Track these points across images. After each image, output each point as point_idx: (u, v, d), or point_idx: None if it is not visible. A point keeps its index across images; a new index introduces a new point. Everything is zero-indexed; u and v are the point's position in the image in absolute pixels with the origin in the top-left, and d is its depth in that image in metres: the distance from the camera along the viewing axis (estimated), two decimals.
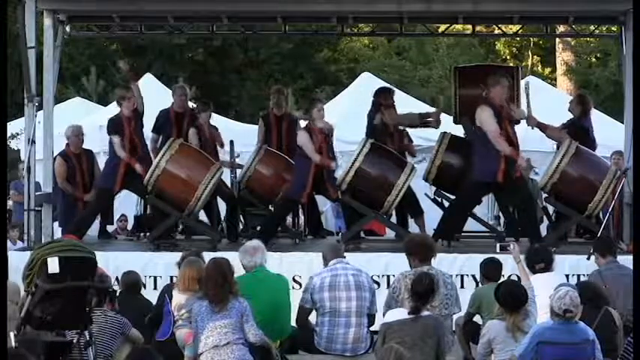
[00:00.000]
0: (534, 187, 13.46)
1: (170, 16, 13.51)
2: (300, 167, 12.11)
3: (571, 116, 12.78)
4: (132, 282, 9.62)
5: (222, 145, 13.17)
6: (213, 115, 13.86)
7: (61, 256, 7.19)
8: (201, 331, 8.00)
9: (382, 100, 12.93)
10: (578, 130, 12.43)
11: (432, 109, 17.69)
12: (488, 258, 9.56)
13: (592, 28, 15.64)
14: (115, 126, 12.50)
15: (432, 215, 13.18)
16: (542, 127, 12.44)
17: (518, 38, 27.50)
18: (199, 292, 8.31)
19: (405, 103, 14.52)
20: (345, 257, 9.08)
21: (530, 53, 30.82)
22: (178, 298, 8.72)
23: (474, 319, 9.29)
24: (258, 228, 12.77)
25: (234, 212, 12.92)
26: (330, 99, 20.10)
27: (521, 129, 12.88)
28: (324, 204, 14.45)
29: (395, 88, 14.00)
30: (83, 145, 13.21)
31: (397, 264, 10.03)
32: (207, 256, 9.21)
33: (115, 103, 13.70)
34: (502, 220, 14.23)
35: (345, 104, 17.16)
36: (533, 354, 7.33)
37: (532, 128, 12.40)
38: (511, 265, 9.36)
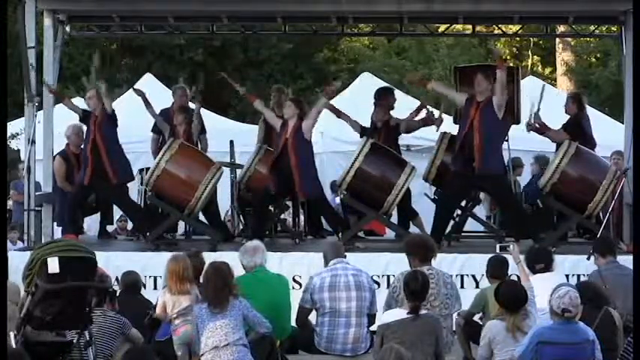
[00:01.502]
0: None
1: (170, 16, 13.51)
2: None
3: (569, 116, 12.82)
4: (132, 282, 9.62)
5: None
6: (214, 115, 13.86)
7: (61, 256, 7.20)
8: (201, 333, 8.00)
9: (384, 99, 12.97)
10: (575, 127, 12.46)
11: (435, 111, 17.69)
12: (494, 256, 9.56)
13: (592, 28, 15.65)
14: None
15: (433, 215, 13.18)
16: (542, 131, 12.55)
17: (518, 38, 27.48)
18: (194, 291, 8.34)
19: (405, 103, 14.49)
20: (345, 257, 9.08)
21: (530, 53, 30.80)
22: (169, 298, 8.67)
23: (475, 318, 9.31)
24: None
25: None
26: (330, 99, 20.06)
27: (521, 129, 12.90)
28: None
29: (394, 88, 14.02)
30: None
31: (397, 264, 10.04)
32: (208, 255, 9.22)
33: (114, 102, 13.67)
34: (493, 219, 14.26)
35: (345, 104, 17.14)
36: (533, 354, 7.33)
37: (528, 132, 12.51)
38: (511, 266, 9.36)
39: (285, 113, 12.11)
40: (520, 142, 13.96)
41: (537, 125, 12.60)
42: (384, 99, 13.03)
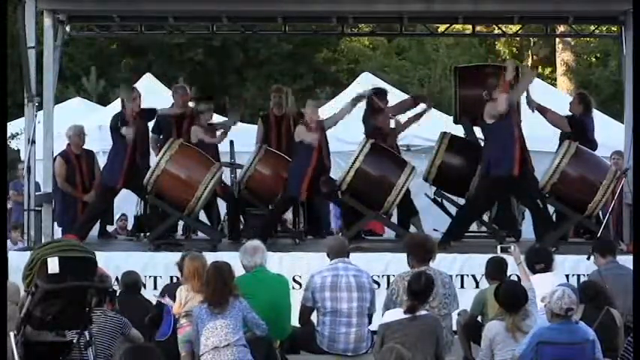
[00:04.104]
0: None
1: (170, 16, 13.51)
2: (297, 164, 12.08)
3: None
4: (132, 282, 9.62)
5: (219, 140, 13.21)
6: (213, 115, 13.85)
7: (61, 256, 7.19)
8: (201, 333, 8.00)
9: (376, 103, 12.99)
10: (577, 126, 12.45)
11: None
12: (492, 258, 9.55)
13: (592, 28, 15.65)
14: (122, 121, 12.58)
15: (433, 215, 13.18)
16: (543, 111, 12.52)
17: (518, 38, 27.48)
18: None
19: None
20: (348, 255, 9.03)
21: (530, 53, 30.81)
22: (190, 296, 8.65)
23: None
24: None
25: (236, 211, 12.93)
26: (330, 99, 20.09)
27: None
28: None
29: (394, 88, 14.04)
30: (84, 145, 13.22)
31: (397, 264, 10.02)
32: (208, 255, 9.22)
33: (115, 102, 13.69)
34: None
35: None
36: (533, 354, 7.34)
37: (532, 111, 12.45)
38: (511, 266, 9.37)
39: (315, 117, 12.13)
40: None
41: (537, 105, 12.59)
42: (383, 100, 13.03)
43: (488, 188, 11.88)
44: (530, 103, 12.35)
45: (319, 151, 12.02)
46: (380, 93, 13.14)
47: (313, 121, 12.07)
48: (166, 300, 8.91)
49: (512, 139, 11.56)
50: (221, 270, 8.15)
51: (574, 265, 10.92)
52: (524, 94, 12.18)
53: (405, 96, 16.78)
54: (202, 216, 12.98)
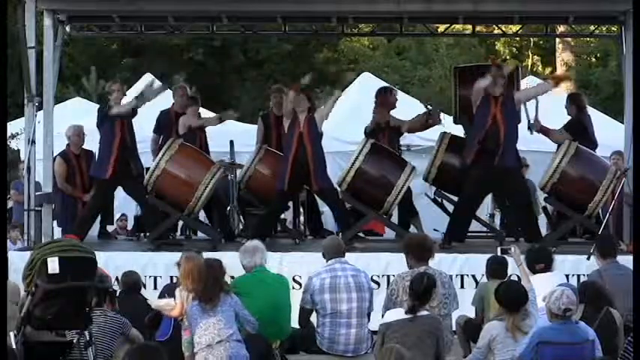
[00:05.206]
0: (531, 187, 13.49)
1: (170, 16, 13.51)
2: (283, 158, 12.14)
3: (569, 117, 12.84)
4: (132, 282, 9.62)
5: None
6: (213, 115, 13.87)
7: (61, 256, 7.20)
8: (194, 331, 7.99)
9: (383, 99, 13.01)
10: (578, 128, 12.47)
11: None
12: (492, 257, 9.55)
13: (592, 28, 15.64)
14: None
15: (433, 215, 13.18)
16: (545, 132, 12.55)
17: (518, 38, 27.49)
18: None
19: (405, 103, 14.50)
20: (344, 255, 9.04)
21: (530, 53, 30.82)
22: (185, 297, 8.65)
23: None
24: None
25: (223, 214, 12.92)
26: None
27: (522, 128, 12.91)
28: (324, 204, 14.45)
29: (395, 88, 14.04)
30: (84, 145, 13.22)
31: (397, 264, 10.02)
32: (207, 256, 9.21)
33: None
34: (498, 218, 14.26)
35: (345, 104, 17.15)
36: (533, 354, 7.34)
37: (531, 133, 12.46)
38: (511, 266, 9.37)
39: (297, 106, 12.10)
40: (520, 142, 13.95)
41: (540, 126, 12.59)
42: (383, 99, 13.07)
43: (467, 181, 12.00)
44: (535, 124, 12.38)
45: (298, 142, 11.96)
46: (386, 90, 13.21)
47: (299, 105, 12.05)
48: (160, 303, 8.88)
49: (479, 131, 11.73)
50: (211, 266, 8.14)
51: (574, 265, 10.92)
52: (532, 113, 12.29)
53: (405, 96, 16.82)
54: (202, 216, 12.98)
